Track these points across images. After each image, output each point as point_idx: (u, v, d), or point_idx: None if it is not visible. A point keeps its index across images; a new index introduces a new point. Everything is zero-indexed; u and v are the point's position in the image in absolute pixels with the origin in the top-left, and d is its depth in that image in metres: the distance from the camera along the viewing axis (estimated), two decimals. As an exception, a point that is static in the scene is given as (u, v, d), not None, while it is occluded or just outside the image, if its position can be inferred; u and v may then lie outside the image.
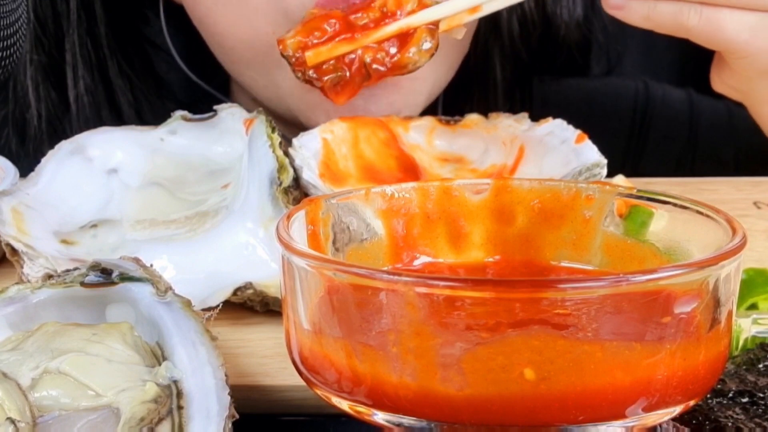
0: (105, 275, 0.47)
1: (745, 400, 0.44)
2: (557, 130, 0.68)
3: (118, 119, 0.87)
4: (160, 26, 0.89)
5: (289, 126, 0.76)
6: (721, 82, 0.71)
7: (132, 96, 0.87)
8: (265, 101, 0.79)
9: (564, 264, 0.49)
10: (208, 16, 0.77)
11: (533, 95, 0.98)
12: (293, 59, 0.65)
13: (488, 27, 0.86)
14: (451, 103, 0.86)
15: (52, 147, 0.65)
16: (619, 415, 0.37)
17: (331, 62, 0.66)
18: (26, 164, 0.65)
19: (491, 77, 0.93)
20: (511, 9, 0.92)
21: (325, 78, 0.65)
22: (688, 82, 1.04)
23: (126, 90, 0.87)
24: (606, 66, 1.02)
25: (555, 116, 0.70)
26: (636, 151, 0.99)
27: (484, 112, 0.74)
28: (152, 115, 0.88)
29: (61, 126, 0.86)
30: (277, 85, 0.76)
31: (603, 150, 0.65)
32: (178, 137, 0.68)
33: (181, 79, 0.91)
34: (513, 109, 0.85)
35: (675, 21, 0.62)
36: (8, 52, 0.65)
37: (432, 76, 0.78)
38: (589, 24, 0.96)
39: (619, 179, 0.64)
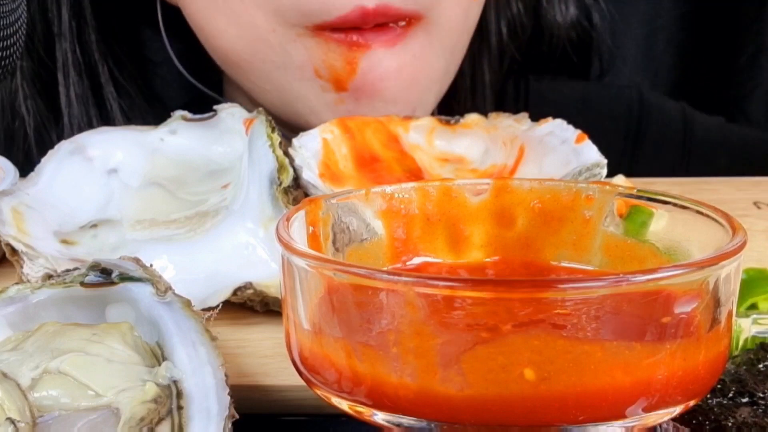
0: (105, 275, 0.47)
1: (745, 400, 0.44)
2: (557, 130, 0.68)
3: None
4: (147, 37, 0.89)
5: (292, 129, 0.76)
6: None
7: (122, 103, 0.87)
8: (268, 105, 0.78)
9: (564, 264, 0.49)
10: (204, 18, 0.77)
11: (529, 93, 0.98)
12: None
13: (476, 29, 0.85)
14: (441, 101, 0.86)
15: (41, 156, 0.64)
16: (619, 415, 0.37)
17: None
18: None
19: (479, 76, 0.92)
20: (499, 12, 0.91)
21: None
22: (686, 86, 1.04)
23: (116, 98, 0.87)
24: (600, 67, 1.02)
25: (550, 115, 0.70)
26: (631, 158, 0.98)
27: (472, 109, 0.74)
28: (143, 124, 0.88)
29: (49, 136, 0.86)
30: (281, 88, 0.76)
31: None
32: (178, 137, 0.68)
33: (171, 87, 0.91)
34: (504, 107, 0.85)
35: None
36: (8, 52, 0.65)
37: (442, 67, 0.78)
38: (583, 25, 0.95)
39: (619, 179, 0.64)
